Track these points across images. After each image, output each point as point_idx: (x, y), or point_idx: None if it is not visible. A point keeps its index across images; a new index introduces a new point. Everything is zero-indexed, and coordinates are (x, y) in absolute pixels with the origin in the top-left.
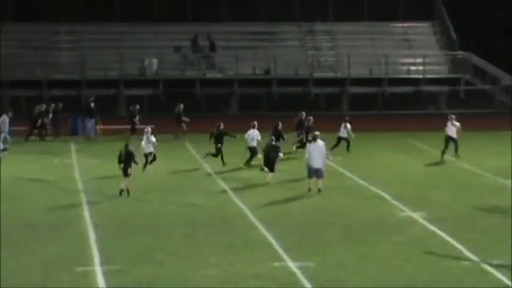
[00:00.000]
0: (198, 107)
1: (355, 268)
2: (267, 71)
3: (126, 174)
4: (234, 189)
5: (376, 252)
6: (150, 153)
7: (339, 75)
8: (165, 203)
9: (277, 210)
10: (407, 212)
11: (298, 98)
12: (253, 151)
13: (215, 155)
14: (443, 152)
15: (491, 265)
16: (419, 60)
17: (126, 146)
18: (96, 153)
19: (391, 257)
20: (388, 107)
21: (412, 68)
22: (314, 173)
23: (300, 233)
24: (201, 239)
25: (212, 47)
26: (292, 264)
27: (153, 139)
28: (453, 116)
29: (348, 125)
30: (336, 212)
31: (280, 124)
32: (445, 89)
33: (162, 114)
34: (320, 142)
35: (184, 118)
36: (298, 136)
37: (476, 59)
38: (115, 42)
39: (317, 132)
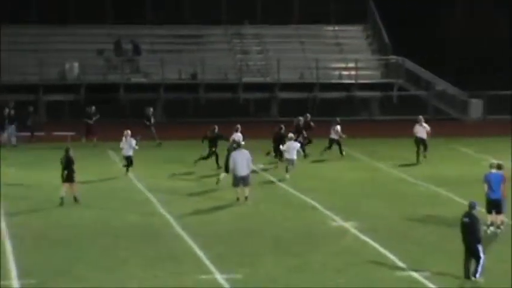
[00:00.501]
0: (122, 112)
1: (284, 280)
2: (194, 76)
3: (71, 180)
4: (158, 198)
5: (306, 263)
6: (129, 156)
7: (269, 80)
8: (86, 213)
9: (203, 220)
10: (339, 222)
11: (227, 103)
12: None
13: (205, 158)
14: (417, 154)
15: (423, 275)
16: (351, 64)
17: (67, 151)
18: (14, 161)
19: (322, 268)
20: (319, 112)
21: (344, 72)
22: (240, 181)
23: (227, 243)
24: (124, 251)
25: (136, 50)
26: (219, 277)
27: (133, 142)
28: (421, 117)
29: (338, 127)
30: (264, 222)
31: (283, 127)
32: (377, 94)
33: (83, 120)
34: (245, 150)
35: (146, 122)
36: (304, 139)
37: (409, 64)
38: (34, 45)
39: (291, 134)
